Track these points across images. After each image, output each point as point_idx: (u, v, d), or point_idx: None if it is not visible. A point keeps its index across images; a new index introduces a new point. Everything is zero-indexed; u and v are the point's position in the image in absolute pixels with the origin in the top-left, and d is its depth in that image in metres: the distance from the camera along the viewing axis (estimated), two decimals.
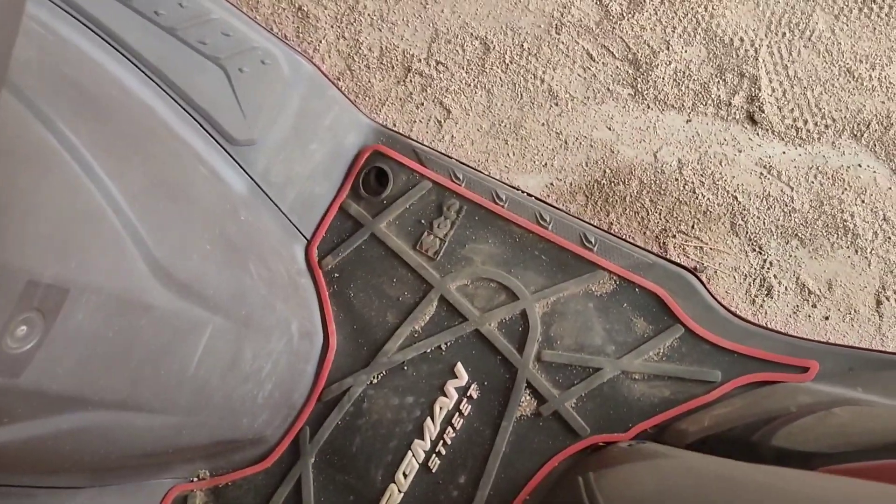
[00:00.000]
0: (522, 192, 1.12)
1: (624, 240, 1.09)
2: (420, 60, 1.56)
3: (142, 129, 0.96)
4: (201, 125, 1.03)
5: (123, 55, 0.99)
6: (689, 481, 0.63)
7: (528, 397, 1.08)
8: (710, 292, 1.06)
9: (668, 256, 1.13)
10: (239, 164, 1.06)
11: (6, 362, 0.68)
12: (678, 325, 1.06)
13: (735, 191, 1.46)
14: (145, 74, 1.00)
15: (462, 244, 1.13)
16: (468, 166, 1.13)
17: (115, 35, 0.98)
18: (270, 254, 1.08)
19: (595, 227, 1.10)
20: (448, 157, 1.14)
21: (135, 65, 1.00)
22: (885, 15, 1.48)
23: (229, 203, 1.03)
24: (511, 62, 1.54)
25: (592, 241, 1.08)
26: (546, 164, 1.51)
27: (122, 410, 0.86)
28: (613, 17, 1.52)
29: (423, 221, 1.15)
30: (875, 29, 1.48)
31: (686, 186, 1.46)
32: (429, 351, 1.12)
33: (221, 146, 1.05)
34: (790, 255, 1.44)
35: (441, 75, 1.55)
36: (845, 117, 1.46)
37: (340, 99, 1.14)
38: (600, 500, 0.58)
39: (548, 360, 1.08)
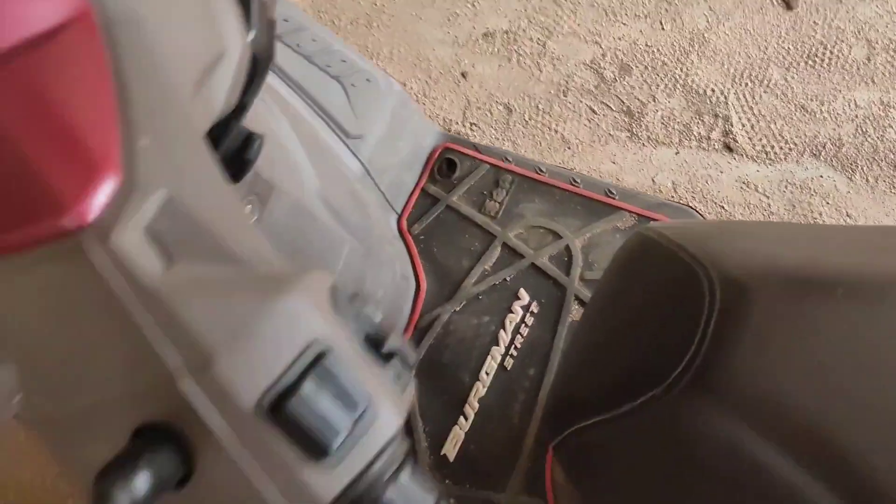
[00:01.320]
0: (558, 165, 1.63)
1: (637, 191, 1.59)
2: (457, 123, 2.12)
3: (294, 115, 1.48)
4: (327, 123, 1.53)
5: (276, 73, 1.53)
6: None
7: (576, 307, 1.48)
8: (705, 219, 1.55)
9: (672, 199, 1.63)
10: (353, 151, 1.55)
11: None
12: None
13: (721, 202, 1.97)
14: (290, 87, 1.53)
15: (516, 205, 1.57)
16: (515, 153, 1.66)
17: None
18: (379, 214, 1.57)
19: (614, 185, 1.60)
20: (499, 148, 1.66)
21: (283, 80, 1.53)
22: (826, 65, 2.06)
23: (350, 175, 1.54)
24: (530, 119, 2.10)
25: (614, 192, 1.56)
26: None
27: None
28: (608, 81, 2.10)
29: (484, 192, 1.59)
30: (820, 76, 2.04)
31: (681, 201, 1.99)
32: (497, 283, 1.53)
33: (340, 138, 1.55)
34: None
35: (475, 133, 2.11)
36: (804, 142, 1.99)
37: (419, 111, 1.65)
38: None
39: (589, 279, 1.49)
